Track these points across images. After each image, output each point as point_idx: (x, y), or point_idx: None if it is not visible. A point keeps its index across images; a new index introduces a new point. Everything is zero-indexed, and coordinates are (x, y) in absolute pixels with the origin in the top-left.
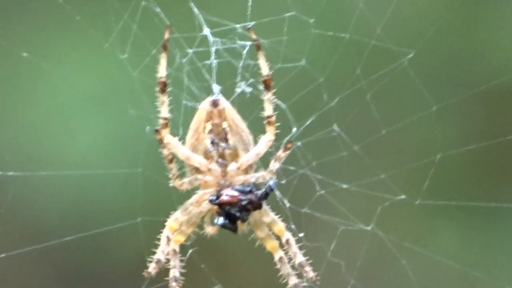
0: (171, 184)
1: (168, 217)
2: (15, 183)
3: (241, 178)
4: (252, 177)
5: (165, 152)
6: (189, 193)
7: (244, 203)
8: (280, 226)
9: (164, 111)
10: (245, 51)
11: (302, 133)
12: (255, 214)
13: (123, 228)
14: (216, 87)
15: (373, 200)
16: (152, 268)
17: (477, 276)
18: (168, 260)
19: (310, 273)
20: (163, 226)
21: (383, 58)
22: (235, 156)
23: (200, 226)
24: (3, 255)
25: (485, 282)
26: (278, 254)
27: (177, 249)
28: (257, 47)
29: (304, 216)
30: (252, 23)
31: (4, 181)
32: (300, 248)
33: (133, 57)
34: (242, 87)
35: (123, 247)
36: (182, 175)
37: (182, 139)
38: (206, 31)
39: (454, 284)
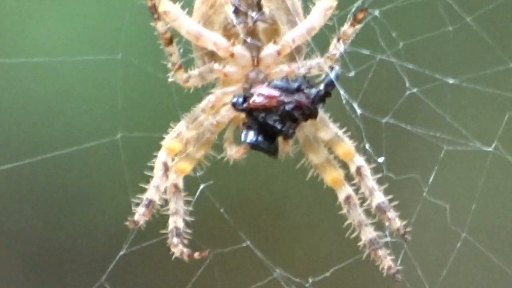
0: (170, 79)
1: (166, 133)
2: None
3: (284, 69)
4: (301, 67)
5: (160, 27)
6: (199, 93)
7: (288, 107)
8: (347, 146)
9: None
10: None
11: None
12: (306, 127)
13: (97, 148)
14: None
15: (497, 104)
16: (140, 215)
17: None
18: (166, 202)
19: (395, 222)
20: (158, 147)
21: None
22: (273, 33)
23: (217, 147)
24: None
25: None
26: (344, 192)
27: (181, 183)
28: None
29: (386, 130)
30: None
31: None
32: (380, 181)
33: None
34: None
35: (97, 176)
36: (188, 64)
37: (188, 6)
38: None
39: None
